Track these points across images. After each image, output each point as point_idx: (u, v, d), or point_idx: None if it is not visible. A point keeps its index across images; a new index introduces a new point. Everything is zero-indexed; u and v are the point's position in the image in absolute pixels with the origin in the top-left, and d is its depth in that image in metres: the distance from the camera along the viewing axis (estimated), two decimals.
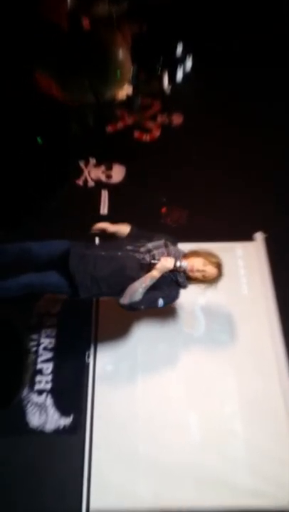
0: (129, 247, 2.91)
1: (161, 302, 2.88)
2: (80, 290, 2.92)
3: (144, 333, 3.60)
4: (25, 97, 4.07)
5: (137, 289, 2.80)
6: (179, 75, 5.06)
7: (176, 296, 3.00)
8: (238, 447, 3.22)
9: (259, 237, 4.01)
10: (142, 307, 2.89)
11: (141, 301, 2.84)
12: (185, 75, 5.09)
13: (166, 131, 4.95)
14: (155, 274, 2.79)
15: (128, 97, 4.51)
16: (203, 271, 2.88)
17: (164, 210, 4.29)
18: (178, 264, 2.82)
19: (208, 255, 2.93)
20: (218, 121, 4.86)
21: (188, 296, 3.21)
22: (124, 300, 2.85)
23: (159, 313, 3.63)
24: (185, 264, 2.84)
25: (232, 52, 5.30)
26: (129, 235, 3.11)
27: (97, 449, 3.19)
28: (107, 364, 3.49)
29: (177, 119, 5.01)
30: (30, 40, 3.77)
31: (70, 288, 2.94)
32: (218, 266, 2.92)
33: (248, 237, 4.04)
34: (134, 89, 4.44)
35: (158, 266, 2.79)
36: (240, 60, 5.29)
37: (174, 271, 2.86)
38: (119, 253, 2.90)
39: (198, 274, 2.88)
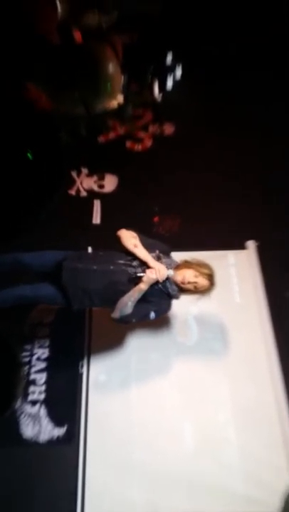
0: (121, 261, 2.91)
1: (152, 315, 2.88)
2: (72, 302, 2.93)
3: (138, 342, 3.61)
4: (16, 109, 4.09)
5: (126, 303, 2.80)
6: (169, 83, 5.11)
7: (167, 307, 3.00)
8: (231, 454, 3.23)
9: (251, 245, 4.04)
10: (134, 320, 2.90)
11: (132, 315, 2.84)
12: (175, 83, 5.14)
13: (157, 141, 4.98)
14: (142, 287, 2.79)
15: (120, 106, 4.54)
16: (194, 282, 2.85)
17: (156, 219, 4.31)
18: (167, 273, 2.82)
19: (199, 267, 2.90)
20: (209, 130, 4.91)
21: (181, 305, 3.21)
22: (115, 314, 2.85)
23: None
24: (171, 272, 2.83)
25: (227, 56, 5.35)
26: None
27: (92, 458, 3.18)
28: (101, 373, 3.49)
29: (168, 129, 5.04)
30: (21, 52, 3.79)
31: (63, 299, 2.95)
32: (210, 277, 2.89)
33: (240, 245, 4.06)
34: (125, 98, 4.47)
35: (144, 278, 2.79)
36: (235, 64, 5.35)
37: (164, 282, 2.85)
38: (111, 267, 2.88)
39: (189, 286, 2.87)
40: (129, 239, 2.90)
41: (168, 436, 3.28)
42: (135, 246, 2.87)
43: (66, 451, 3.23)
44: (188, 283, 2.85)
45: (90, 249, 3.90)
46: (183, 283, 2.85)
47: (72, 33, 3.84)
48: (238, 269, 3.95)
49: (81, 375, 3.47)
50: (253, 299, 3.80)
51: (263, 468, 3.18)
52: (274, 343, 3.59)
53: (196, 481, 3.15)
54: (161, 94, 5.04)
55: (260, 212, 4.26)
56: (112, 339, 3.60)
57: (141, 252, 2.86)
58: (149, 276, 2.78)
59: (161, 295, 2.90)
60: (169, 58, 5.03)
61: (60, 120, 4.31)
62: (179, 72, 5.09)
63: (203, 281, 2.87)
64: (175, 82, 5.13)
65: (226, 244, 4.02)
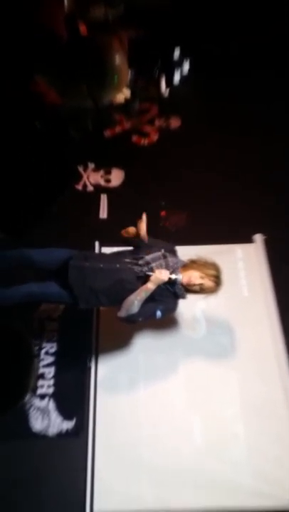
0: (127, 260, 2.91)
1: (159, 314, 2.87)
2: (79, 301, 2.93)
3: (146, 337, 3.61)
4: (23, 103, 4.09)
5: (133, 302, 2.79)
6: (177, 78, 5.09)
7: (174, 307, 2.99)
8: (240, 450, 3.23)
9: (259, 238, 4.03)
10: (140, 319, 2.88)
11: (138, 314, 2.83)
12: (182, 78, 5.12)
13: (164, 135, 4.97)
14: (150, 286, 2.78)
15: (126, 101, 4.53)
16: (200, 284, 2.85)
17: (163, 213, 4.31)
18: (173, 276, 2.80)
19: (205, 268, 2.89)
20: (215, 124, 4.89)
21: (189, 300, 3.21)
22: (121, 313, 2.84)
23: (160, 319, 3.63)
24: (180, 277, 2.83)
25: (229, 55, 5.33)
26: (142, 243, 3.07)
27: (100, 452, 3.20)
28: (109, 367, 3.50)
29: (175, 123, 5.03)
30: (29, 46, 3.79)
31: (69, 298, 2.95)
32: (216, 279, 2.88)
33: (247, 239, 4.05)
34: (132, 93, 4.46)
35: (152, 278, 2.78)
36: (237, 62, 5.32)
37: (171, 283, 2.84)
38: (118, 265, 2.89)
39: (195, 288, 2.86)
40: (133, 299, 2.83)
41: (176, 431, 3.29)
42: (139, 293, 2.82)
43: (75, 445, 3.25)
44: (194, 285, 2.85)
45: (96, 244, 3.91)
46: (188, 284, 2.85)
47: (78, 26, 3.82)
48: (245, 263, 3.94)
49: (89, 368, 3.49)
50: (261, 292, 3.79)
51: (271, 464, 3.18)
52: (282, 337, 3.58)
53: (204, 477, 3.16)
54: (168, 89, 5.03)
55: (268, 206, 4.24)
56: (120, 333, 3.60)
57: (146, 287, 2.82)
58: (158, 276, 2.76)
59: (168, 294, 2.89)
60: (177, 53, 5.01)
61: (67, 114, 4.31)
62: (186, 67, 5.07)
63: (208, 283, 2.87)
64: (182, 77, 5.12)
65: (233, 238, 4.01)
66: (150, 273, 2.81)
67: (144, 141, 4.93)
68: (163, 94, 5.00)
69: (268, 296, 3.75)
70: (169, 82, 5.02)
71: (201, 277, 2.85)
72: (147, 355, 3.55)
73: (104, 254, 3.07)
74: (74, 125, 4.58)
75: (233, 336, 3.61)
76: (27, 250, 3.16)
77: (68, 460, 3.22)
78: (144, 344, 3.58)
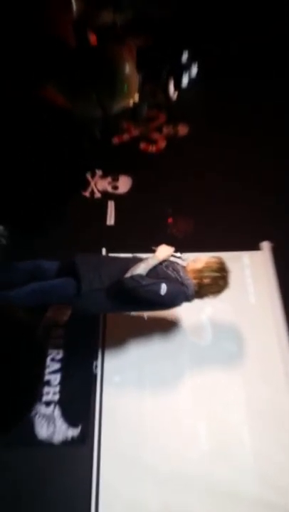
0: (134, 255, 3.00)
1: (163, 287, 2.79)
2: (82, 282, 2.88)
3: (151, 344, 3.60)
4: (32, 111, 4.13)
5: (139, 265, 2.85)
6: (185, 81, 5.10)
7: (179, 293, 2.92)
8: (246, 457, 3.20)
9: (266, 246, 4.01)
10: (144, 283, 2.78)
11: (143, 278, 2.80)
12: (191, 81, 5.14)
13: (171, 142, 4.98)
14: (157, 254, 2.91)
15: (134, 105, 4.54)
16: (206, 261, 2.99)
17: (170, 220, 4.31)
18: (178, 254, 2.97)
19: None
20: (223, 131, 4.90)
21: (195, 306, 3.21)
22: (127, 274, 2.82)
23: (166, 323, 3.64)
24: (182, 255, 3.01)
25: (236, 60, 5.34)
26: None
27: (106, 459, 3.18)
28: (115, 374, 3.49)
29: (182, 130, 5.05)
30: (38, 55, 3.82)
31: (73, 288, 2.93)
32: (219, 258, 3.03)
33: (254, 246, 4.04)
34: (140, 97, 4.47)
35: (159, 248, 2.93)
36: (244, 68, 5.33)
37: (179, 272, 2.93)
38: (125, 258, 2.99)
39: (200, 261, 3.00)
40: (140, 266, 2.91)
41: (182, 438, 3.27)
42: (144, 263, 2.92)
43: (80, 452, 3.23)
44: (200, 260, 3.00)
45: (104, 251, 3.92)
46: (194, 260, 3.00)
47: (88, 35, 3.85)
48: (252, 270, 3.93)
49: (95, 376, 3.48)
50: (268, 300, 3.77)
51: (278, 471, 3.14)
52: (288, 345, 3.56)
53: (210, 484, 3.12)
54: (176, 93, 5.04)
55: (275, 213, 4.23)
56: (126, 340, 3.60)
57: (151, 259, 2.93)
58: (163, 248, 2.90)
59: (173, 279, 2.91)
60: (185, 56, 5.02)
61: (77, 122, 4.34)
62: (194, 70, 5.08)
63: (213, 260, 3.01)
64: (191, 80, 5.13)
65: (240, 245, 4.00)
66: (155, 247, 2.94)
67: (152, 149, 4.94)
68: (171, 97, 5.01)
69: (274, 304, 3.73)
70: (178, 85, 5.03)
71: (206, 257, 3.02)
72: (153, 362, 3.53)
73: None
74: (83, 133, 4.60)
75: (239, 343, 3.60)
76: (37, 260, 3.21)
77: (74, 467, 3.20)
78: (151, 351, 3.57)
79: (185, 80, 5.03)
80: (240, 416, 3.34)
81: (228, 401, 3.40)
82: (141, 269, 2.83)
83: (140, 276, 2.80)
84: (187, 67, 5.06)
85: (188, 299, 2.97)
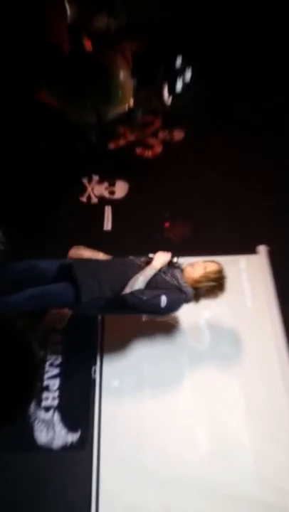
0: (131, 257, 3.02)
1: (164, 299, 2.84)
2: (82, 291, 2.89)
3: (150, 348, 3.61)
4: (27, 116, 4.13)
5: (138, 278, 2.87)
6: (179, 86, 5.12)
7: (178, 301, 2.98)
8: (246, 459, 3.21)
9: (262, 249, 4.03)
10: (144, 298, 2.82)
11: (143, 293, 2.83)
12: (185, 86, 5.15)
13: (167, 147, 5.01)
14: (155, 264, 2.91)
15: (129, 110, 4.55)
16: (204, 267, 3.01)
17: (167, 224, 4.33)
18: (175, 259, 2.97)
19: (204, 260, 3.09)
20: (218, 135, 4.92)
21: (193, 310, 3.23)
22: (126, 290, 2.85)
23: (165, 327, 3.65)
24: (182, 262, 3.02)
25: (230, 62, 5.36)
26: None
27: (105, 463, 3.19)
28: (114, 379, 3.49)
29: (178, 135, 5.07)
30: (32, 61, 3.82)
31: (72, 295, 2.93)
32: (217, 263, 3.07)
33: (251, 250, 4.06)
34: (135, 102, 4.49)
35: (156, 256, 2.94)
36: (242, 68, 5.36)
37: (177, 278, 2.96)
38: (121, 260, 2.98)
39: (199, 267, 3.02)
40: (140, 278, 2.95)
41: (182, 441, 3.27)
42: (144, 271, 2.95)
43: (80, 457, 3.24)
44: (199, 266, 3.02)
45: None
46: (192, 266, 3.02)
47: (83, 40, 3.86)
48: (249, 274, 3.94)
49: (94, 380, 3.48)
50: (265, 303, 3.79)
51: (278, 473, 3.15)
52: (286, 348, 3.57)
53: (210, 486, 3.13)
54: (170, 98, 5.06)
55: (272, 217, 4.25)
56: (125, 345, 3.61)
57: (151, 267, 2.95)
58: (161, 254, 2.92)
59: (172, 287, 2.96)
60: (179, 61, 5.05)
61: (72, 128, 4.35)
62: (188, 74, 5.11)
63: (211, 265, 3.04)
64: (184, 84, 5.15)
65: (237, 249, 4.02)
66: (152, 255, 2.95)
67: (148, 153, 4.96)
68: (166, 102, 5.03)
69: (271, 307, 3.75)
70: (172, 90, 5.05)
71: (204, 262, 3.05)
72: (152, 367, 3.54)
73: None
74: (78, 138, 4.62)
75: (237, 346, 3.61)
76: (35, 261, 3.20)
77: (73, 472, 3.20)
78: (149, 355, 3.58)
79: (179, 85, 5.05)
80: (240, 417, 3.35)
81: (227, 403, 3.41)
82: (140, 282, 2.86)
83: (140, 291, 2.84)
84: (181, 71, 5.08)
85: (187, 302, 3.03)
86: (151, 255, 2.95)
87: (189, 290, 2.98)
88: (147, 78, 4.78)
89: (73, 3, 4.00)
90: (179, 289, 2.95)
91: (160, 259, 2.95)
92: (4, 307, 3.07)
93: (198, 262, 3.07)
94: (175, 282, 2.96)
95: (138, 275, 2.88)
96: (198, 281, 3.01)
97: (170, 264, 3.02)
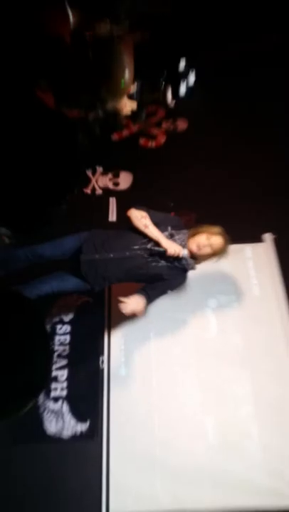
0: (136, 247, 2.97)
1: (169, 292, 3.02)
2: (95, 288, 3.08)
3: (157, 338, 3.62)
4: (30, 110, 4.11)
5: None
6: (183, 90, 5.07)
7: (183, 280, 3.09)
8: (254, 449, 3.23)
9: (268, 238, 4.02)
10: (154, 299, 2.97)
11: (150, 297, 2.91)
12: (189, 90, 5.11)
13: (171, 137, 4.99)
14: (163, 241, 2.89)
15: (133, 112, 4.53)
16: (210, 244, 2.96)
17: (172, 214, 4.32)
18: (181, 253, 2.92)
19: (209, 228, 3.03)
20: (222, 124, 4.89)
21: (200, 299, 3.23)
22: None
23: (172, 318, 3.65)
24: (186, 252, 2.94)
25: (235, 54, 5.32)
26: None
27: (115, 453, 3.22)
28: (122, 369, 3.52)
29: (182, 125, 5.04)
30: (33, 53, 3.80)
31: (85, 286, 3.09)
32: (222, 234, 3.02)
33: (257, 238, 4.05)
34: (138, 104, 4.46)
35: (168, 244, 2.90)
36: (243, 62, 5.31)
37: (180, 259, 2.96)
38: (127, 253, 2.96)
39: (206, 249, 2.96)
40: (140, 220, 2.97)
41: (191, 431, 3.29)
42: (146, 226, 2.95)
43: (89, 447, 3.27)
44: (204, 246, 2.95)
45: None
46: (199, 248, 2.95)
47: (85, 35, 3.83)
48: (255, 263, 3.93)
49: (102, 370, 3.50)
50: (272, 291, 3.78)
51: (286, 463, 3.17)
52: None
53: (219, 476, 3.16)
54: (174, 102, 5.02)
55: (277, 205, 4.23)
56: (132, 335, 3.62)
57: (153, 233, 2.94)
58: (173, 246, 2.89)
59: (177, 271, 2.99)
60: (182, 64, 4.99)
61: (74, 120, 4.33)
62: (192, 78, 5.05)
63: (217, 240, 2.98)
64: (188, 88, 5.10)
65: (242, 238, 4.00)
66: (156, 248, 2.92)
67: (152, 144, 4.94)
68: (169, 105, 4.99)
69: (278, 295, 3.74)
70: (175, 94, 5.00)
71: (208, 238, 2.97)
72: (160, 356, 3.56)
73: (111, 237, 3.11)
74: (81, 130, 4.60)
75: (244, 335, 3.61)
76: (38, 247, 3.22)
77: (83, 462, 3.24)
78: (157, 345, 3.59)
79: (183, 89, 5.00)
80: (248, 409, 3.36)
81: (235, 394, 3.42)
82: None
83: (148, 298, 2.92)
84: (185, 75, 5.02)
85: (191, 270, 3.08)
86: (155, 248, 2.95)
87: (192, 262, 3.01)
88: (151, 79, 4.74)
89: (75, 9, 3.97)
90: (183, 270, 3.00)
91: (172, 245, 2.92)
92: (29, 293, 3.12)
93: (202, 240, 2.97)
94: (179, 266, 2.97)
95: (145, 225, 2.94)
96: (204, 256, 3.02)
97: (177, 258, 2.97)
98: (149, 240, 2.95)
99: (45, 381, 3.18)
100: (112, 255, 2.98)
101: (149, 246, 2.95)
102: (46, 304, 3.69)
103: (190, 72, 4.89)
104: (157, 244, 2.92)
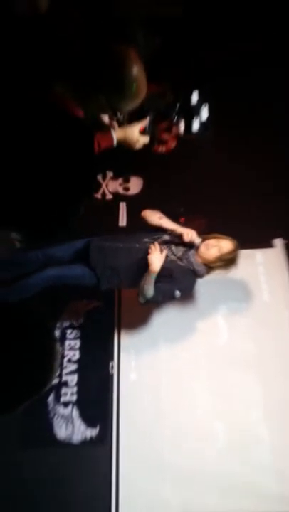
0: (146, 239, 3.00)
1: (177, 293, 2.98)
2: (101, 281, 3.06)
3: (167, 343, 3.62)
4: (42, 114, 4.13)
5: (143, 288, 2.91)
6: (196, 126, 5.01)
7: (192, 284, 3.11)
8: (264, 454, 3.22)
9: (279, 243, 4.01)
10: (160, 298, 3.01)
11: (157, 296, 2.93)
12: (202, 126, 5.05)
13: (181, 142, 4.98)
14: (152, 268, 2.87)
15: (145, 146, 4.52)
16: (218, 246, 3.01)
17: (182, 219, 4.31)
18: (197, 241, 3.01)
19: (219, 235, 3.12)
20: (232, 129, 4.88)
21: (210, 304, 3.22)
22: (140, 300, 2.98)
23: (181, 324, 3.65)
24: (198, 240, 3.03)
25: (236, 54, 5.31)
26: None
27: (125, 458, 3.21)
28: (132, 374, 3.52)
29: None
30: (45, 57, 3.82)
31: (91, 279, 3.07)
32: (233, 241, 3.06)
33: (267, 243, 4.04)
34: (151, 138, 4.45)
35: (149, 261, 2.87)
36: (243, 62, 5.30)
37: (188, 257, 2.99)
38: (137, 245, 3.01)
39: (213, 250, 2.99)
40: (154, 214, 3.12)
41: (200, 436, 3.29)
42: (160, 218, 3.06)
43: (99, 451, 3.27)
44: (213, 247, 3.01)
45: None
46: (207, 248, 3.00)
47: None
48: (266, 268, 3.92)
49: (112, 375, 3.50)
50: (282, 297, 3.77)
51: None
52: None
53: (229, 481, 3.15)
54: (187, 135, 4.98)
55: (288, 210, 4.21)
56: (142, 339, 3.62)
57: (167, 223, 3.05)
58: (154, 260, 2.85)
59: (186, 272, 3.00)
60: (195, 97, 4.93)
61: (87, 125, 4.33)
62: (205, 113, 4.98)
63: (226, 244, 3.04)
64: (202, 124, 5.04)
65: (253, 243, 3.99)
66: (166, 237, 3.03)
67: (162, 149, 4.93)
68: (181, 137, 4.96)
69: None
70: (188, 130, 4.96)
71: (217, 240, 3.05)
72: (170, 361, 3.56)
73: (122, 235, 3.16)
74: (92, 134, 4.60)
75: (254, 340, 3.60)
76: (49, 249, 3.25)
77: (93, 467, 3.24)
78: (167, 350, 3.59)
79: (196, 125, 4.95)
80: (258, 413, 3.35)
81: (245, 398, 3.41)
82: (149, 291, 2.92)
83: (153, 297, 2.94)
84: (197, 110, 4.94)
85: (201, 278, 3.10)
86: (163, 237, 3.02)
87: (203, 269, 3.04)
88: (162, 112, 4.71)
89: None
90: (194, 272, 3.02)
91: (155, 262, 2.88)
92: (26, 289, 3.12)
93: (212, 241, 3.06)
94: (188, 265, 3.00)
95: (142, 284, 2.91)
96: (212, 262, 3.05)
97: (185, 245, 3.04)
98: (161, 235, 3.05)
99: (45, 378, 3.20)
100: (121, 245, 3.06)
101: (159, 241, 3.00)
102: (56, 309, 3.69)
103: (203, 107, 4.83)
104: (168, 242, 3.01)
